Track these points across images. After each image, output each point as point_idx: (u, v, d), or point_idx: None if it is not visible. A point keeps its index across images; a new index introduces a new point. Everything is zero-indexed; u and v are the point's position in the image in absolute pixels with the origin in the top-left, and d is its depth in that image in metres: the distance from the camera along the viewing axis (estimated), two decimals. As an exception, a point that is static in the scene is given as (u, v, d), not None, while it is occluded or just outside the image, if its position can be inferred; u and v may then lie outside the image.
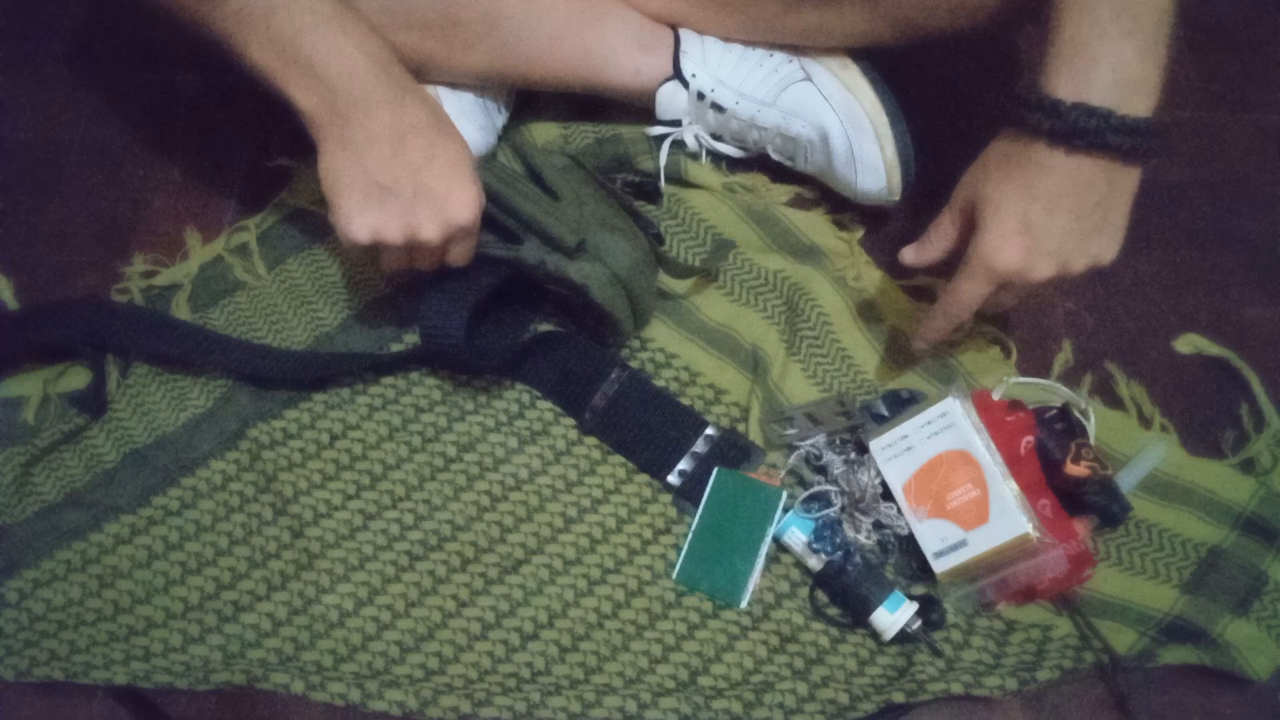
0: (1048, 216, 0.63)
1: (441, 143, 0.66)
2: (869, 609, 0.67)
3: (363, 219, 0.65)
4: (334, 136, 0.64)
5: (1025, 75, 0.63)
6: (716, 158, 0.87)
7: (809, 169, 0.83)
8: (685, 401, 0.77)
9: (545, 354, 0.78)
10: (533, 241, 0.71)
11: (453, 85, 0.80)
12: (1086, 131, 0.59)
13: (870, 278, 0.81)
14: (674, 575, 0.71)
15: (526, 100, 0.88)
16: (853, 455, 0.73)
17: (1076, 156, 0.61)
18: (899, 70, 0.78)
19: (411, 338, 0.80)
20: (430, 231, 0.66)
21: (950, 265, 0.69)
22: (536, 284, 0.75)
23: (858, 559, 0.69)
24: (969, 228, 0.67)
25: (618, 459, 0.75)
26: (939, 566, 0.68)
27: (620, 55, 0.81)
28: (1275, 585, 0.69)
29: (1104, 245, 0.65)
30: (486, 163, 0.75)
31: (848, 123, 0.78)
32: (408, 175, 0.65)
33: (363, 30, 0.64)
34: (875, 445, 0.71)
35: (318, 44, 0.62)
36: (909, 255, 0.72)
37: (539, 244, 0.71)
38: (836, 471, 0.72)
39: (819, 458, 0.73)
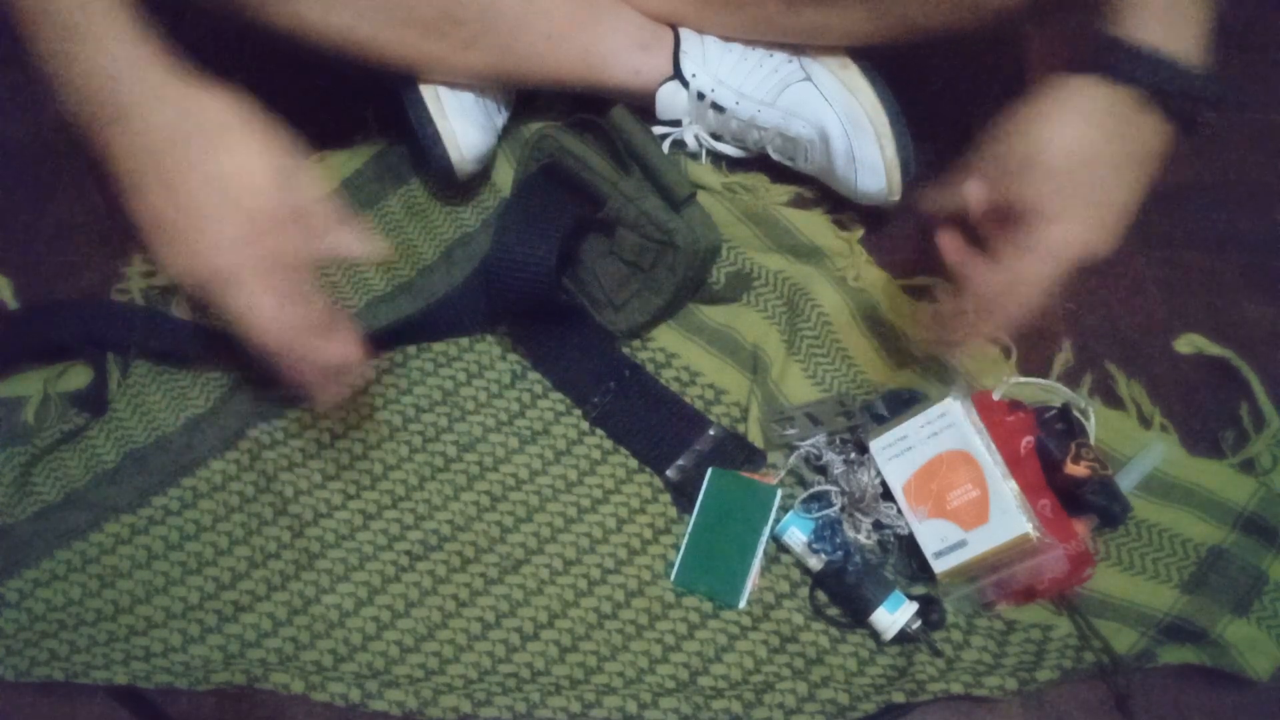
0: (1122, 187, 0.56)
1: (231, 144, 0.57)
2: (869, 609, 0.67)
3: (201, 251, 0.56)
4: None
5: (1098, 22, 0.54)
6: (716, 158, 0.87)
7: (809, 169, 0.83)
8: (685, 401, 0.77)
9: (560, 341, 0.79)
10: (616, 198, 0.76)
11: (452, 85, 0.80)
12: (1191, 94, 0.52)
13: (870, 278, 0.81)
14: (671, 577, 0.71)
15: (526, 100, 0.88)
16: (853, 455, 0.73)
17: (1163, 119, 0.54)
18: (899, 70, 0.78)
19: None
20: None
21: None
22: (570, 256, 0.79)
23: (858, 559, 0.69)
24: (1008, 183, 0.58)
25: (618, 459, 0.76)
26: (939, 566, 0.68)
27: (620, 55, 0.81)
28: (1275, 585, 0.69)
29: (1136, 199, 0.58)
30: (614, 110, 0.78)
31: (848, 123, 0.78)
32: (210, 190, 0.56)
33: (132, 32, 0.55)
34: (875, 445, 0.71)
35: (83, 49, 0.54)
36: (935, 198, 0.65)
37: (624, 199, 0.75)
38: (836, 471, 0.72)
39: (819, 458, 0.73)
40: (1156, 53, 0.52)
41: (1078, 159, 0.55)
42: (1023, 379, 0.76)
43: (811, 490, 0.72)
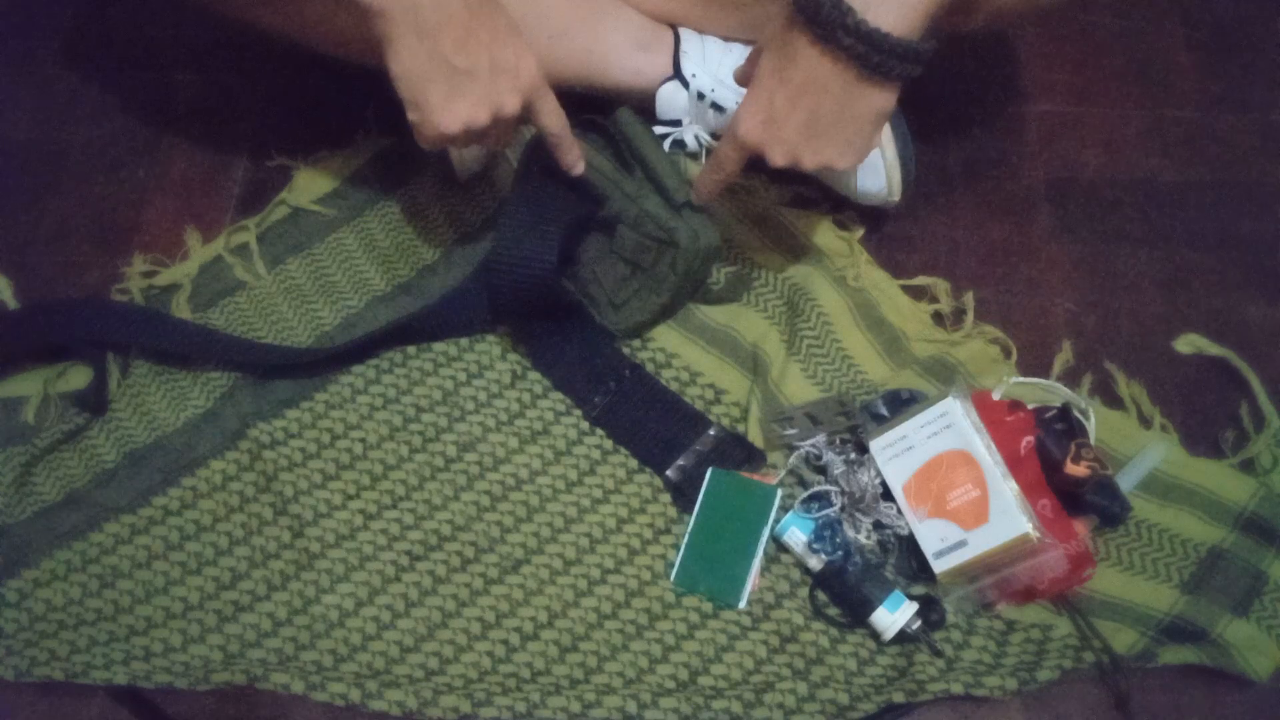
0: (789, 108, 0.63)
1: (496, 12, 0.65)
2: (869, 609, 0.67)
3: (451, 110, 0.64)
4: (408, 26, 0.62)
5: None
6: (716, 158, 0.86)
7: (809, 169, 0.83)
8: (685, 401, 0.77)
9: (560, 341, 0.79)
10: (617, 197, 0.75)
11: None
12: (824, 22, 0.59)
13: (870, 278, 0.81)
14: (671, 578, 0.71)
15: (526, 100, 0.88)
16: (853, 455, 0.73)
17: (818, 50, 0.60)
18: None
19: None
20: (513, 103, 0.66)
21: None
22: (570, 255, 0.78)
23: (858, 559, 0.69)
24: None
25: (618, 459, 0.76)
26: (939, 566, 0.68)
27: (620, 55, 0.81)
28: (1275, 585, 0.69)
29: (837, 153, 0.65)
30: (619, 111, 0.77)
31: (847, 123, 0.78)
32: (483, 53, 0.64)
33: None
34: (875, 445, 0.71)
35: None
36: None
37: (625, 198, 0.75)
38: (836, 471, 0.72)
39: (819, 458, 0.73)
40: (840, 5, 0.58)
41: (759, 77, 0.64)
42: (1023, 379, 0.76)
43: (811, 490, 0.72)
